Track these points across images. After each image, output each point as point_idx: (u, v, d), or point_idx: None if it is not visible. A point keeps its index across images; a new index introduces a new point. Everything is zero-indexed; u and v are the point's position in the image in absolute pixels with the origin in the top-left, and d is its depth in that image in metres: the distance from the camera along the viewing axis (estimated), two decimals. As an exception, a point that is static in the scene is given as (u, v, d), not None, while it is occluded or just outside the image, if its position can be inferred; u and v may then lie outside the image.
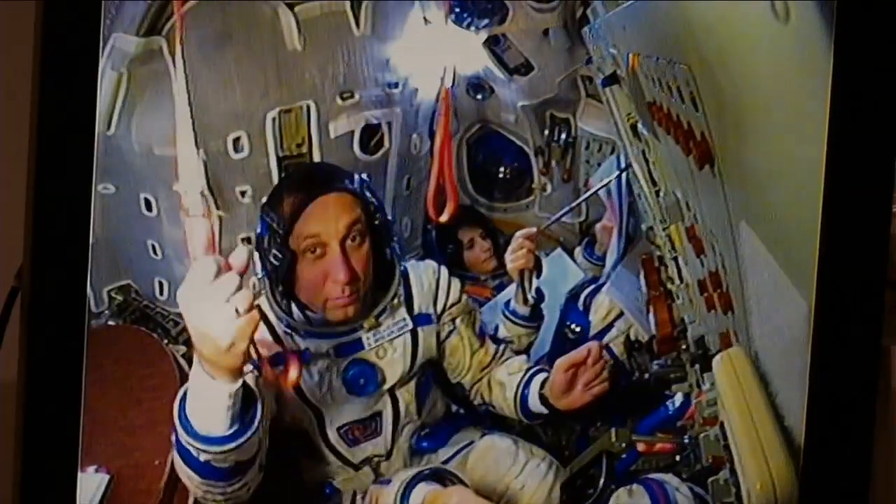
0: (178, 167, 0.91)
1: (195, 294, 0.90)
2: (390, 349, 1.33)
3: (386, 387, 1.33)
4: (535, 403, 1.41)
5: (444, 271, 1.42)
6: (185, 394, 1.02)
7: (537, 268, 1.59)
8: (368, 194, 1.27)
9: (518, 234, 1.58)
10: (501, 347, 1.50)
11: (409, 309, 1.36)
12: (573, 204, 1.79)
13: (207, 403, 0.99)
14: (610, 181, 1.66)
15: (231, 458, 1.03)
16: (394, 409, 1.35)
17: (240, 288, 0.90)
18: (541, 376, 1.41)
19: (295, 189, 1.23)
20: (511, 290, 1.60)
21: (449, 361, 1.45)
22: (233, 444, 1.01)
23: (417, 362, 1.36)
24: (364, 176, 1.30)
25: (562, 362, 1.36)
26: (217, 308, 0.89)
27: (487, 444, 1.37)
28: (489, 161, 1.95)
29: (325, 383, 1.29)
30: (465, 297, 1.45)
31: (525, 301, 1.56)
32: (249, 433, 1.02)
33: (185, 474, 1.06)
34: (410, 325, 1.35)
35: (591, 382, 1.35)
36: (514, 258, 1.56)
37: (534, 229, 1.61)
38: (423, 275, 1.40)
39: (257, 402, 1.04)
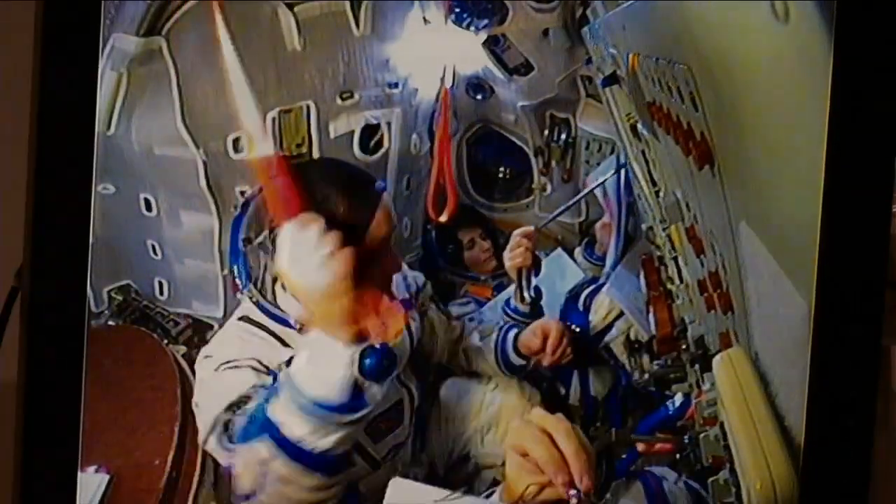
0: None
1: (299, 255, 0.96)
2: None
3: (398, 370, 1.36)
4: (514, 357, 1.48)
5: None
6: (292, 383, 1.02)
7: (535, 266, 1.60)
8: None
9: (516, 232, 1.59)
10: (464, 321, 1.57)
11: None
12: (570, 202, 1.79)
13: (331, 370, 1.01)
14: (605, 180, 1.67)
15: (352, 435, 1.06)
16: (409, 394, 1.38)
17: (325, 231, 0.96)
18: (513, 332, 1.49)
19: (361, 190, 1.19)
20: (511, 289, 1.61)
21: (425, 343, 1.49)
22: (365, 410, 1.04)
23: (414, 347, 1.40)
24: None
25: (522, 342, 1.45)
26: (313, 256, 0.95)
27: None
28: (489, 161, 1.95)
29: None
30: (427, 281, 1.52)
31: (523, 299, 1.57)
32: (369, 406, 1.05)
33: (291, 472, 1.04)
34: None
35: (554, 363, 1.45)
36: (512, 256, 1.57)
37: (531, 227, 1.61)
38: None
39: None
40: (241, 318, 1.25)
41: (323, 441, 1.03)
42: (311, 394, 1.01)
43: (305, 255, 0.96)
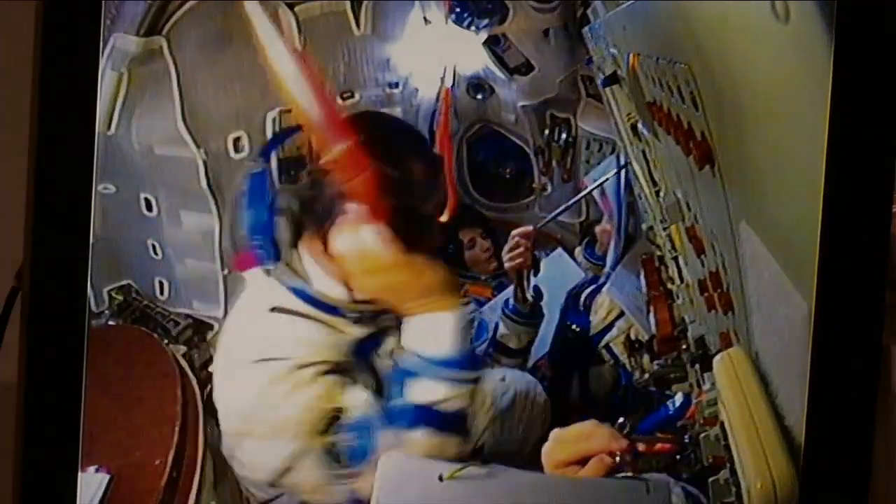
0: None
1: None
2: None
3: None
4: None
5: None
6: None
7: (534, 266, 1.59)
8: None
9: (514, 232, 1.59)
10: None
11: None
12: (570, 202, 1.79)
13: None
14: (605, 180, 1.67)
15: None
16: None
17: None
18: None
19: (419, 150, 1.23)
20: (511, 289, 1.60)
21: None
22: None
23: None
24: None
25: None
26: None
27: None
28: (489, 161, 1.95)
29: None
30: None
31: (524, 300, 1.57)
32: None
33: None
34: None
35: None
36: (511, 257, 1.57)
37: (530, 227, 1.61)
38: None
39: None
40: (273, 310, 1.15)
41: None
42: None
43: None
